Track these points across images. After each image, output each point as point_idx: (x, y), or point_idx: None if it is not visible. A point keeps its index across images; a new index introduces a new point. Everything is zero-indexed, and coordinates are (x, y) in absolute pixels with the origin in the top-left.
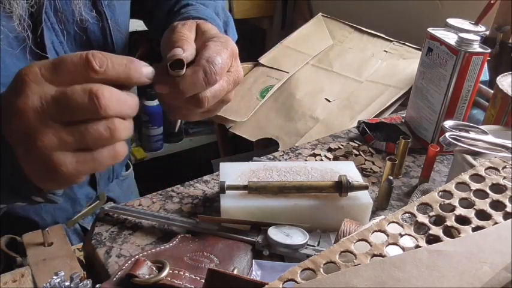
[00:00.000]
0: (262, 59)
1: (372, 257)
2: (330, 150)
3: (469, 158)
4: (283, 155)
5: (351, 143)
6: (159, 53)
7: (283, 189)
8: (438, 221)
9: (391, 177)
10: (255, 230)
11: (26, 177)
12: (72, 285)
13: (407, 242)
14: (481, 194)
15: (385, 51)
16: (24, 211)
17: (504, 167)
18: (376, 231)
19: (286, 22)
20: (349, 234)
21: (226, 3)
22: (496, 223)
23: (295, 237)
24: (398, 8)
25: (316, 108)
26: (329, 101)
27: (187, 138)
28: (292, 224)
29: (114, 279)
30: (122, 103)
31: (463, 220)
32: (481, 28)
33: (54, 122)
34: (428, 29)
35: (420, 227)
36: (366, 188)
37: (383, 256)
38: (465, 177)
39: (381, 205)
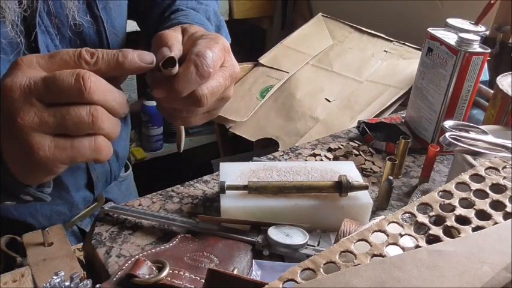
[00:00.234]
0: (262, 59)
1: (372, 257)
2: (330, 150)
3: (469, 158)
4: (283, 155)
5: (351, 143)
6: None
7: (283, 189)
8: (438, 221)
9: (391, 177)
10: (255, 230)
11: (10, 172)
12: (72, 285)
13: (407, 242)
14: (481, 194)
15: (385, 51)
16: (20, 214)
17: (504, 167)
18: (376, 231)
19: (286, 22)
20: (349, 234)
21: (226, 3)
22: (496, 223)
23: (295, 237)
24: (398, 8)
25: (316, 108)
26: (329, 101)
27: (187, 138)
28: (292, 224)
29: (114, 279)
30: (108, 92)
31: (463, 220)
32: (481, 28)
33: (39, 101)
34: (428, 29)
35: (420, 227)
36: (366, 188)
37: (383, 256)
38: (465, 177)
39: (380, 205)
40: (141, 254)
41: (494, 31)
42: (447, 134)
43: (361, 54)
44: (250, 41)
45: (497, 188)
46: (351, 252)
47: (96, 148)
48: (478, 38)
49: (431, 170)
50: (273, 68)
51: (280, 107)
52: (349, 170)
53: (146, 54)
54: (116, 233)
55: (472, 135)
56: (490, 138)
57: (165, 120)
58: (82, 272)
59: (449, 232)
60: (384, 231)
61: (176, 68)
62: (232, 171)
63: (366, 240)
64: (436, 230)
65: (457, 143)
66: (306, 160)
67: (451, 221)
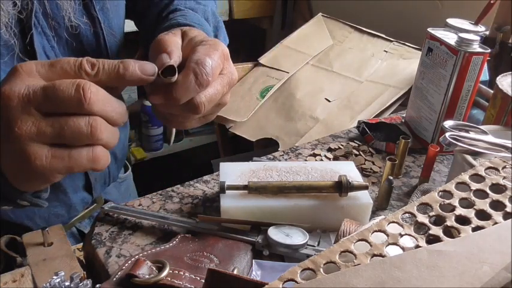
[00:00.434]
0: (262, 59)
1: (372, 257)
2: (330, 150)
3: (469, 158)
4: (283, 155)
5: (351, 143)
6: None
7: (283, 189)
8: (438, 221)
9: (391, 177)
10: (255, 230)
11: (7, 179)
12: (72, 285)
13: (407, 242)
14: (481, 194)
15: (385, 51)
16: (18, 217)
17: (504, 167)
18: (376, 231)
19: (286, 22)
20: (349, 234)
21: (226, 3)
22: (496, 223)
23: (295, 237)
24: (398, 8)
25: (316, 108)
26: (329, 101)
27: (187, 138)
28: (292, 224)
29: (114, 279)
30: (107, 103)
31: (463, 220)
32: (481, 28)
33: (37, 110)
34: (428, 29)
35: (420, 227)
36: (366, 188)
37: (383, 256)
38: (465, 177)
39: (380, 205)
40: (141, 254)
41: (494, 31)
42: (447, 134)
43: (361, 54)
44: (250, 41)
45: (497, 188)
46: (351, 252)
47: (94, 158)
48: (478, 38)
49: (431, 170)
50: (273, 68)
51: (280, 107)
52: (349, 170)
53: (148, 65)
54: (116, 233)
55: (472, 135)
56: (490, 138)
57: None
58: (82, 272)
59: (449, 232)
60: (384, 231)
61: (175, 77)
62: (232, 171)
63: (366, 240)
64: (436, 230)
65: (457, 143)
66: (306, 160)
67: (451, 221)
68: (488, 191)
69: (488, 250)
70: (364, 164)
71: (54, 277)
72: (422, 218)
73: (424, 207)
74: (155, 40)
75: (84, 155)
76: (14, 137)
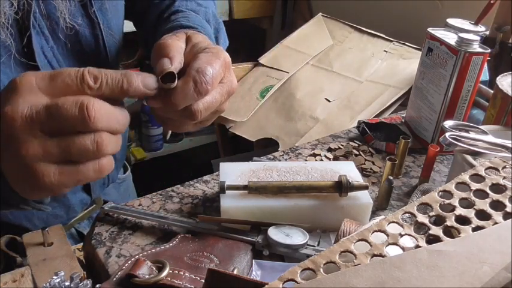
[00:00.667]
0: (262, 59)
1: (372, 257)
2: (330, 150)
3: (469, 158)
4: (283, 155)
5: (351, 143)
6: (150, 58)
7: (283, 189)
8: (438, 221)
9: (391, 177)
10: (255, 230)
11: (10, 187)
12: (72, 285)
13: (407, 242)
14: (481, 194)
15: (385, 51)
16: (16, 218)
17: (504, 167)
18: (376, 231)
19: (286, 22)
20: (349, 234)
21: (226, 3)
22: (496, 223)
23: (295, 237)
24: (399, 8)
25: (316, 108)
26: (329, 101)
27: (187, 138)
28: (292, 224)
29: (114, 279)
30: (111, 117)
31: (463, 220)
32: (481, 28)
33: (42, 131)
34: (428, 29)
35: (420, 227)
36: (366, 188)
37: (383, 256)
38: (465, 177)
39: (380, 205)
40: (141, 254)
41: (494, 31)
42: (447, 134)
43: (361, 54)
44: (250, 41)
45: (497, 188)
46: (351, 252)
47: (100, 169)
48: (478, 38)
49: (431, 170)
50: (273, 68)
51: (280, 107)
52: (349, 170)
53: (150, 79)
54: (116, 233)
55: (472, 135)
56: (490, 138)
57: None
58: (82, 272)
59: (449, 232)
60: (384, 231)
61: (175, 83)
62: (232, 171)
63: (366, 240)
64: (436, 230)
65: (457, 143)
66: (306, 160)
67: (451, 221)
68: (488, 191)
69: (488, 250)
70: (364, 164)
71: (54, 277)
72: (422, 218)
73: (424, 207)
74: (159, 43)
75: (90, 168)
76: (21, 157)
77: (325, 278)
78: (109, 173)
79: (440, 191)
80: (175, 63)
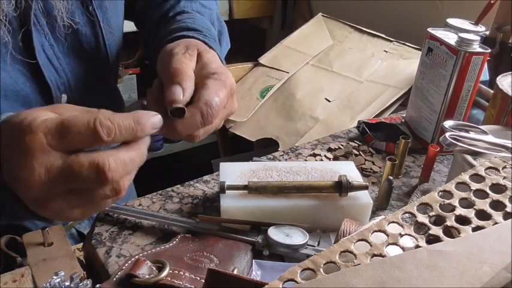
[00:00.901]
0: (262, 59)
1: (372, 257)
2: (330, 150)
3: (469, 158)
4: (283, 155)
5: (351, 143)
6: (150, 58)
7: (283, 189)
8: (438, 221)
9: (391, 177)
10: (255, 230)
11: (37, 215)
12: (72, 285)
13: (407, 242)
14: (481, 194)
15: (385, 51)
16: None
17: (504, 167)
18: (376, 231)
19: (286, 22)
20: (349, 234)
21: (226, 3)
22: (496, 223)
23: (295, 237)
24: (399, 8)
25: (316, 108)
26: (329, 101)
27: None
28: (292, 224)
29: (114, 279)
30: (128, 167)
31: (463, 220)
32: (481, 28)
33: (62, 189)
34: (428, 29)
35: (420, 227)
36: (366, 188)
37: (383, 256)
38: (465, 177)
39: (380, 205)
40: (141, 254)
41: (494, 31)
42: (447, 134)
43: (361, 54)
44: (250, 41)
45: (497, 188)
46: (351, 252)
47: (117, 199)
48: (478, 38)
49: (431, 170)
50: (273, 68)
51: (280, 107)
52: (349, 170)
53: (155, 119)
54: (116, 233)
55: (472, 135)
56: (490, 138)
57: None
58: (82, 272)
59: (449, 232)
60: (384, 231)
61: (183, 118)
62: (232, 171)
63: (366, 240)
64: (436, 230)
65: (457, 143)
66: (306, 160)
67: (451, 221)
68: (488, 191)
69: (488, 250)
70: (364, 164)
71: (54, 277)
72: (422, 218)
73: (424, 207)
74: (174, 67)
75: (109, 202)
76: (47, 210)
77: (325, 278)
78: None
79: (440, 191)
80: (186, 94)
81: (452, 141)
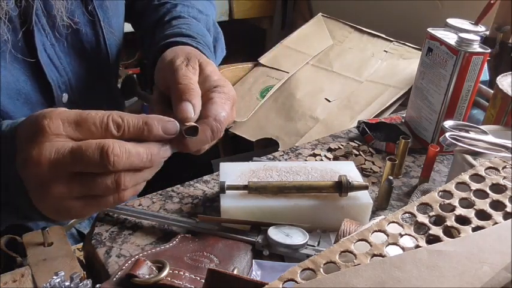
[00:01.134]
0: (262, 59)
1: (372, 257)
2: (330, 150)
3: (469, 158)
4: (283, 155)
5: (351, 143)
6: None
7: (283, 189)
8: (438, 221)
9: (391, 177)
10: (255, 230)
11: (40, 214)
12: (72, 285)
13: (407, 242)
14: (481, 194)
15: (385, 51)
16: None
17: (504, 167)
18: (376, 231)
19: (286, 22)
20: (349, 234)
21: (226, 3)
22: (496, 223)
23: (295, 237)
24: (399, 8)
25: (316, 108)
26: (329, 101)
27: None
28: (292, 224)
29: (114, 279)
30: (132, 158)
31: (463, 220)
32: (481, 28)
33: (66, 172)
34: (428, 29)
35: (420, 227)
36: (366, 188)
37: (383, 256)
38: (465, 177)
39: (380, 205)
40: (141, 254)
41: (494, 31)
42: (447, 134)
43: (361, 54)
44: (250, 41)
45: (497, 188)
46: (351, 252)
47: (120, 199)
48: (478, 38)
49: (431, 170)
50: (273, 68)
51: (280, 107)
52: (349, 170)
53: (170, 124)
54: (116, 233)
55: (472, 135)
56: (490, 138)
57: None
58: (82, 272)
59: (449, 232)
60: (384, 231)
61: (197, 136)
62: (232, 171)
63: (366, 240)
64: (436, 230)
65: (457, 143)
66: (306, 160)
67: (451, 221)
68: (488, 191)
69: (488, 250)
70: (364, 164)
71: (54, 277)
72: (422, 218)
73: (424, 207)
74: (182, 84)
75: (111, 200)
76: (49, 197)
77: (325, 278)
78: (129, 199)
79: (440, 191)
80: (196, 111)
81: (452, 141)
